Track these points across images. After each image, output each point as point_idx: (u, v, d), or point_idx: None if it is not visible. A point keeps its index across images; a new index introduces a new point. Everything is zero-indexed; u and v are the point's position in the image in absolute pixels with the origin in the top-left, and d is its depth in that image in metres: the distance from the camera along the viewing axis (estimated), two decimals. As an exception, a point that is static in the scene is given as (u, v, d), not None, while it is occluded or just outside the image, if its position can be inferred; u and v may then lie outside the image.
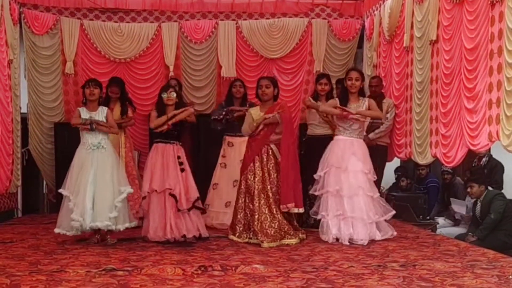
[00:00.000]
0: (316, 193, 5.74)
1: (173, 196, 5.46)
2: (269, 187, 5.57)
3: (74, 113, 5.75)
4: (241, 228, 5.63)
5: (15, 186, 7.45)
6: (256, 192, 5.54)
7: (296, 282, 3.84)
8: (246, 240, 5.55)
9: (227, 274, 4.11)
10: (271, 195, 5.55)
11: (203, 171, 6.84)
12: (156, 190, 5.50)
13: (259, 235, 5.41)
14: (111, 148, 5.67)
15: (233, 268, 4.25)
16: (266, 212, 5.51)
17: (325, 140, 6.20)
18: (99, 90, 5.66)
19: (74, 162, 5.53)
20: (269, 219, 5.49)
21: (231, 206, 6.12)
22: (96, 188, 5.41)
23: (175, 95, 5.65)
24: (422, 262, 4.48)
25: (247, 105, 6.49)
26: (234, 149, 6.60)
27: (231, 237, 5.65)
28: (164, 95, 5.62)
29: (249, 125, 5.69)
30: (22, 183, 7.96)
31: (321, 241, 5.57)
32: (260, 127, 5.63)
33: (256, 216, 5.49)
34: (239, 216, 5.67)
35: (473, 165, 7.52)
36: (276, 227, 5.47)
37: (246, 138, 6.37)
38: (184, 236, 5.40)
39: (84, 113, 5.57)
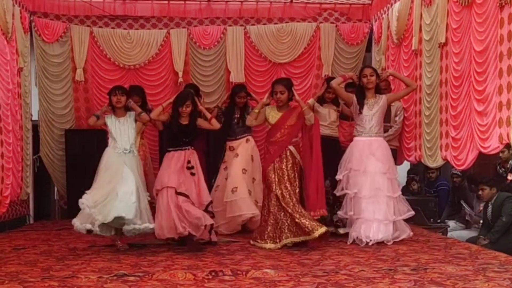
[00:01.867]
0: (338, 194, 5.89)
1: (181, 194, 5.41)
2: (287, 189, 5.56)
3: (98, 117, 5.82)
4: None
5: (25, 193, 7.50)
6: (276, 196, 5.55)
7: (307, 287, 3.84)
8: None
9: (238, 278, 4.11)
10: (287, 196, 5.53)
11: (212, 177, 6.87)
12: (158, 189, 5.50)
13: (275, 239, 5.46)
14: (137, 154, 5.77)
15: (244, 273, 4.26)
16: (282, 217, 5.51)
17: (332, 142, 6.25)
18: (125, 97, 5.74)
19: (103, 164, 5.55)
20: (287, 224, 5.48)
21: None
22: (123, 186, 5.38)
23: (190, 108, 5.64)
24: (433, 266, 4.47)
25: (249, 111, 6.54)
26: (234, 152, 6.69)
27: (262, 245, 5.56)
28: (181, 108, 5.62)
29: (255, 119, 5.81)
30: (34, 189, 8.03)
31: (331, 245, 5.58)
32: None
33: (275, 221, 5.51)
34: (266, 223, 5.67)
35: (497, 167, 7.48)
36: (294, 230, 5.45)
37: (244, 139, 6.51)
38: (194, 236, 5.33)
39: (113, 122, 5.64)
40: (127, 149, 5.58)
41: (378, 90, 6.05)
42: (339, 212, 5.97)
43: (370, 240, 5.51)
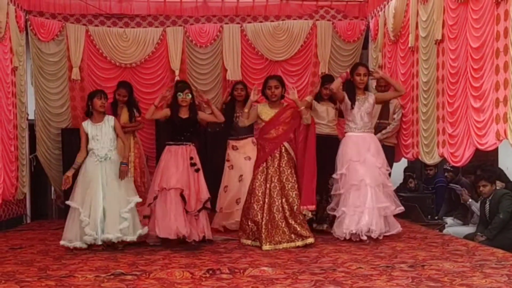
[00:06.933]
0: (340, 192, 5.70)
1: (182, 197, 5.42)
2: (276, 188, 5.53)
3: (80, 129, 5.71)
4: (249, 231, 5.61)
5: (21, 192, 7.47)
6: (266, 194, 5.50)
7: (305, 284, 3.84)
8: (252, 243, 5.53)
9: (235, 277, 4.11)
10: (277, 192, 5.50)
11: (209, 173, 6.84)
12: (165, 188, 5.45)
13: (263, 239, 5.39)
14: (118, 159, 5.65)
15: (241, 271, 4.25)
16: (273, 217, 5.47)
17: (332, 141, 6.23)
18: (107, 101, 5.74)
19: (81, 173, 5.52)
20: (275, 225, 5.45)
21: (241, 202, 6.15)
22: (105, 201, 5.41)
23: (190, 96, 5.63)
24: (430, 262, 4.47)
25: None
26: (238, 151, 6.64)
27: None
28: (180, 96, 5.60)
29: (247, 118, 5.72)
30: (31, 189, 8.01)
31: (329, 242, 5.57)
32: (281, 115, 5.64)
33: (264, 221, 5.45)
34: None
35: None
36: (280, 233, 5.43)
37: (249, 139, 6.50)
38: (193, 240, 5.40)
39: (90, 128, 5.57)
40: (102, 156, 5.50)
41: (366, 87, 6.07)
42: (330, 207, 5.88)
43: (373, 231, 5.45)
